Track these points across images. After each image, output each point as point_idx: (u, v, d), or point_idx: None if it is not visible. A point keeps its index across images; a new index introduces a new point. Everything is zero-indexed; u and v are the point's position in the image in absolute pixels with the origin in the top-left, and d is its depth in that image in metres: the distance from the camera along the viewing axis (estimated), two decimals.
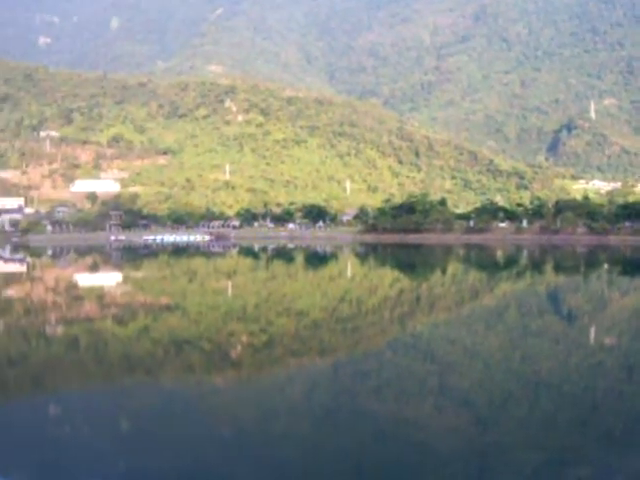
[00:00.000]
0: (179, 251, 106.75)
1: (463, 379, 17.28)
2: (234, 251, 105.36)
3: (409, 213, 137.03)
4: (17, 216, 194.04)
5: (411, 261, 75.98)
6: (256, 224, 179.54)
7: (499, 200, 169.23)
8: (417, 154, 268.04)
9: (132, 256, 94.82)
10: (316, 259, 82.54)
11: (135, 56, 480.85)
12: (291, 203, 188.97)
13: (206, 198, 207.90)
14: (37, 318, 29.71)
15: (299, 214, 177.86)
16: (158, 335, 24.35)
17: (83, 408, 15.20)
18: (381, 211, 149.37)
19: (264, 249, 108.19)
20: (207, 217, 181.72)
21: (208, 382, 17.42)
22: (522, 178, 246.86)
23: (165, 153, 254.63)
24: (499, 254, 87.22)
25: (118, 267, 71.11)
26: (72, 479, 10.62)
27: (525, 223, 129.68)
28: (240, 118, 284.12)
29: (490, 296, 38.47)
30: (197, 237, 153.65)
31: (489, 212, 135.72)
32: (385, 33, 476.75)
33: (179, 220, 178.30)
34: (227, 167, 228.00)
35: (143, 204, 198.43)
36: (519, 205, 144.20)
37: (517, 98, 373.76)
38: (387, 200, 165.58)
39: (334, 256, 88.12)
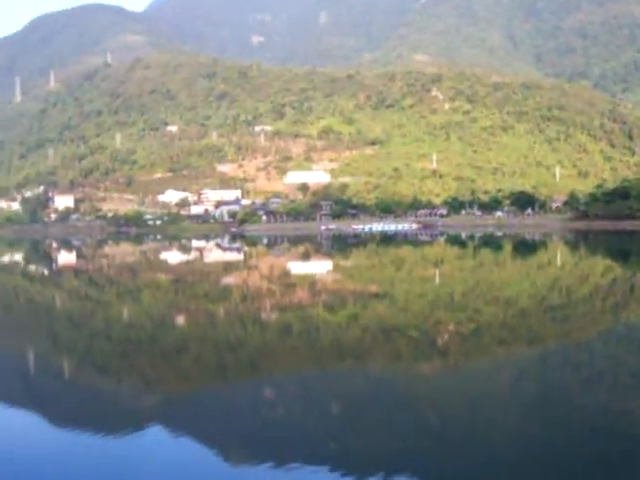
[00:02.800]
0: (387, 240, 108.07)
1: None
2: (441, 239, 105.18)
3: (623, 199, 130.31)
4: (235, 207, 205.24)
5: (625, 249, 72.34)
6: (463, 212, 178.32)
7: None
8: (630, 137, 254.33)
9: (342, 245, 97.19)
10: (524, 247, 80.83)
11: (343, 49, 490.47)
12: (499, 190, 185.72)
13: (413, 187, 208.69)
14: (253, 304, 31.47)
15: (507, 201, 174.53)
16: (367, 322, 25.06)
17: (296, 391, 16.05)
18: (592, 197, 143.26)
19: (471, 237, 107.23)
20: (414, 206, 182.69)
21: (415, 369, 17.82)
22: None
23: (373, 143, 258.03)
24: None
25: (328, 256, 73.33)
26: (286, 458, 11.24)
27: None
28: (446, 106, 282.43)
29: None
30: (405, 226, 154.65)
31: None
32: (595, 11, 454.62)
33: (387, 209, 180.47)
34: (434, 156, 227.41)
35: (352, 194, 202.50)
36: None
37: None
38: (599, 185, 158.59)
39: (543, 244, 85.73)
